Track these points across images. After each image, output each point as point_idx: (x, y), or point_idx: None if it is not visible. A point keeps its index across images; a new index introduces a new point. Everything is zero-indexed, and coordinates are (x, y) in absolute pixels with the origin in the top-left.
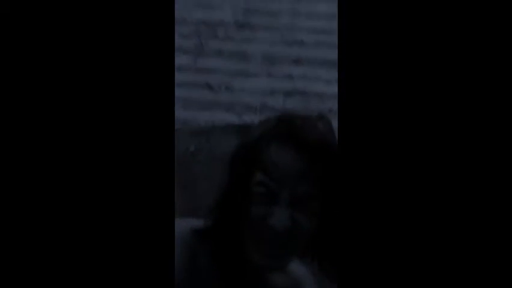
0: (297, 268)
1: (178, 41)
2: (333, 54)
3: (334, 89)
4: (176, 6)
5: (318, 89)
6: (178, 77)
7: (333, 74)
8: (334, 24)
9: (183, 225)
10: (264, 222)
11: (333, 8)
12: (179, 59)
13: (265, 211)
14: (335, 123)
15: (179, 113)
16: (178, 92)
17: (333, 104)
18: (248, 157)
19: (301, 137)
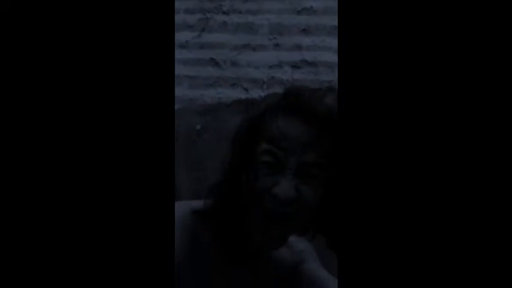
0: (299, 243)
1: (182, 17)
2: None
3: None
4: None
5: (328, 59)
6: (183, 54)
7: None
8: None
9: (183, 207)
10: (268, 193)
11: None
12: (184, 36)
13: (271, 181)
14: None
15: (185, 91)
16: (183, 70)
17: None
18: (253, 130)
19: (308, 109)
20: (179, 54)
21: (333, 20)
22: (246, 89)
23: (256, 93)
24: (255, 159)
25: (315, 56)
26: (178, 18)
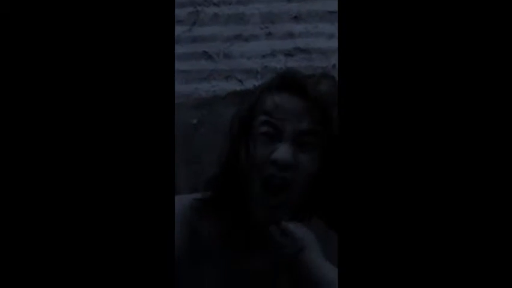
0: (299, 230)
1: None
2: (333, 6)
3: (336, 43)
4: None
5: (321, 45)
6: (175, 48)
7: (335, 28)
8: None
9: (183, 201)
10: (267, 160)
11: None
12: (175, 30)
13: (270, 149)
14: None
15: (179, 86)
16: (176, 65)
17: (337, 60)
18: (250, 109)
19: (302, 87)
20: None
21: (324, 6)
22: (240, 81)
23: (251, 83)
24: (254, 131)
25: (307, 42)
26: None
